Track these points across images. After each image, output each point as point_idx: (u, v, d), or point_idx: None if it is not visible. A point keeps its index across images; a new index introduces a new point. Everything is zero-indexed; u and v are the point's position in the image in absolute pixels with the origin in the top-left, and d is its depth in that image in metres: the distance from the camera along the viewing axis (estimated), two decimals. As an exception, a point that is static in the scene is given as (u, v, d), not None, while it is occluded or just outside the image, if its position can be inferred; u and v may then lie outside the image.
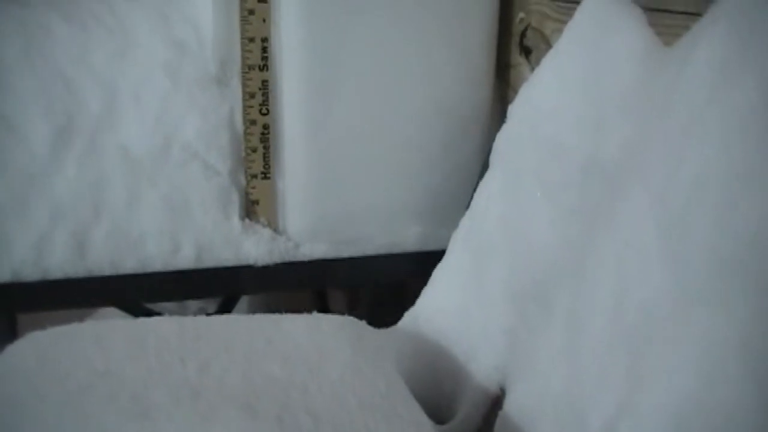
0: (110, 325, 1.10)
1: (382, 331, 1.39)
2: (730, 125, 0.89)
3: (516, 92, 1.61)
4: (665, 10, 1.18)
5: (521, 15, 1.62)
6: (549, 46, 1.51)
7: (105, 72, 1.55)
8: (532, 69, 1.56)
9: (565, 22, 1.42)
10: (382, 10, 1.49)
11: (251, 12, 1.46)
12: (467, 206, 1.47)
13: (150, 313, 1.57)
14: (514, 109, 1.41)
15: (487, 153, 1.58)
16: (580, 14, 1.33)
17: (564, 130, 1.29)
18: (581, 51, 1.30)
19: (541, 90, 1.37)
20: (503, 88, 1.71)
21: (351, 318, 1.20)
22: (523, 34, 1.62)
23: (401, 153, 1.58)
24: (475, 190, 1.47)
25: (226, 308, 2.05)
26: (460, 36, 1.57)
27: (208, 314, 1.27)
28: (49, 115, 1.52)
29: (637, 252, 0.95)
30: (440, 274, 1.45)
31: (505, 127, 1.41)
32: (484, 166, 1.48)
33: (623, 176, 1.11)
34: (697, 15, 1.10)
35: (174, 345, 1.01)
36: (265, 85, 1.51)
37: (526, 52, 1.61)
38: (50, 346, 1.02)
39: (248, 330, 1.09)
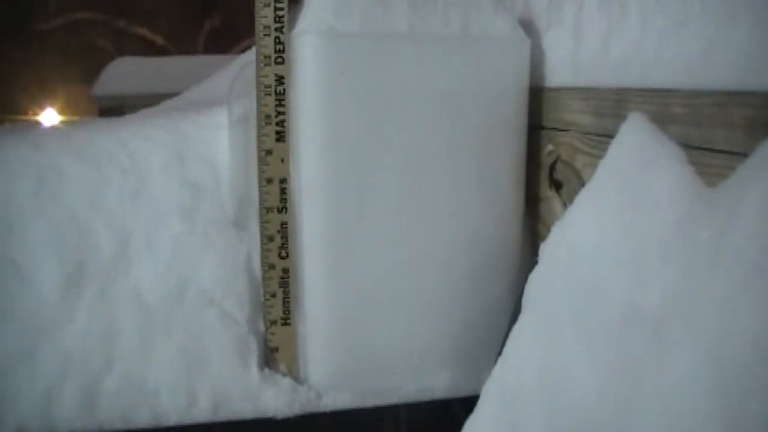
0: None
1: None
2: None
3: (547, 227, 1.55)
4: (706, 149, 1.12)
5: (550, 147, 1.57)
6: (581, 180, 1.45)
7: (118, 214, 1.50)
8: (564, 204, 1.50)
9: (597, 156, 1.37)
10: (406, 145, 1.44)
11: (269, 152, 1.42)
12: (498, 350, 1.38)
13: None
14: (547, 250, 1.34)
15: (518, 293, 1.51)
16: (615, 150, 1.27)
17: (601, 275, 1.22)
18: (618, 190, 1.24)
19: (576, 231, 1.29)
20: (533, 222, 1.64)
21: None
22: (552, 167, 1.56)
23: (428, 294, 1.50)
24: (506, 333, 1.38)
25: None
26: (487, 168, 1.52)
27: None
28: (60, 261, 1.47)
29: (688, 415, 0.87)
30: (471, 428, 1.35)
31: (537, 269, 1.34)
32: (516, 309, 1.40)
33: (668, 328, 1.04)
34: (741, 155, 1.05)
35: None
36: (284, 227, 1.45)
37: (557, 185, 1.55)
38: None
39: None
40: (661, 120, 1.21)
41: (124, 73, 6.60)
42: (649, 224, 1.16)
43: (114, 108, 6.41)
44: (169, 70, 6.68)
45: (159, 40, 20.33)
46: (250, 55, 1.50)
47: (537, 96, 1.59)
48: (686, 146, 1.16)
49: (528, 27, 1.62)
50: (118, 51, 19.54)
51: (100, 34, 20.32)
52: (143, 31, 20.32)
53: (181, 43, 20.50)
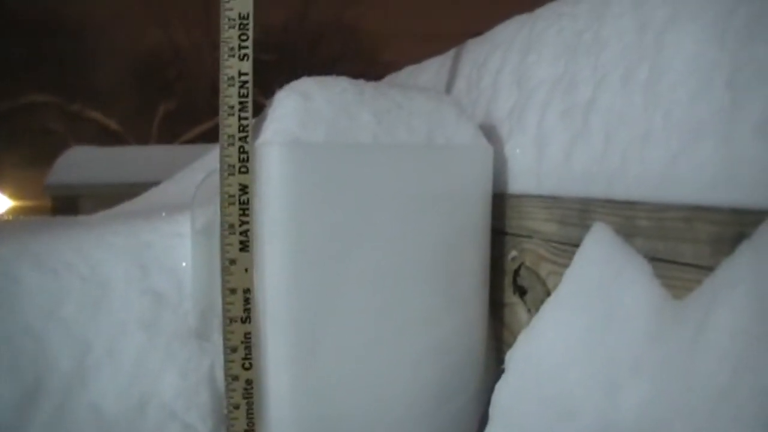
0: None
1: None
2: (763, 403, 0.84)
3: (511, 333, 1.54)
4: (673, 262, 1.13)
5: (514, 253, 1.57)
6: (545, 287, 1.45)
7: (77, 325, 1.46)
8: (528, 310, 1.50)
9: (561, 265, 1.38)
10: (371, 254, 1.43)
11: (233, 262, 1.40)
12: (467, 462, 1.36)
13: None
14: (514, 360, 1.33)
15: (483, 401, 1.49)
16: (580, 261, 1.28)
17: (572, 388, 1.21)
18: (584, 302, 1.24)
19: (543, 342, 1.29)
20: (498, 327, 1.64)
21: None
22: (516, 273, 1.57)
23: (394, 406, 1.48)
24: (475, 445, 1.36)
25: None
26: (452, 274, 1.52)
27: None
28: (15, 376, 1.41)
29: None
30: None
31: (504, 379, 1.33)
32: (483, 419, 1.38)
33: (645, 443, 1.04)
34: (707, 269, 1.06)
35: None
36: (247, 338, 1.42)
37: (521, 291, 1.55)
38: None
39: None
40: (627, 232, 1.22)
41: (78, 163, 6.55)
42: (618, 337, 1.16)
43: (68, 197, 6.37)
44: (123, 159, 6.66)
45: (113, 124, 20.32)
46: (212, 160, 1.49)
47: (501, 202, 1.60)
48: (652, 259, 1.17)
49: (490, 133, 1.64)
50: (72, 135, 19.50)
51: (53, 118, 20.26)
52: (97, 115, 20.31)
53: (135, 128, 20.52)
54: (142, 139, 19.88)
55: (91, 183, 6.18)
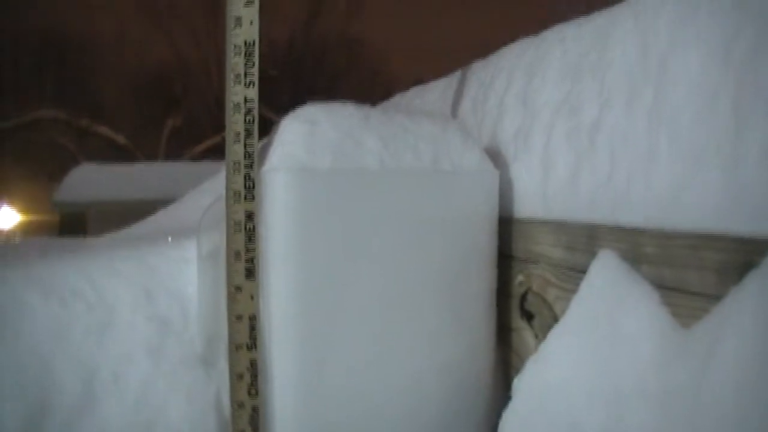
0: None
1: None
2: None
3: (519, 357, 1.54)
4: (679, 289, 1.12)
5: (520, 278, 1.57)
6: (552, 312, 1.45)
7: (83, 351, 1.47)
8: (535, 335, 1.50)
9: (568, 290, 1.37)
10: (378, 279, 1.43)
11: (239, 289, 1.40)
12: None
13: None
14: (521, 387, 1.32)
15: (491, 427, 1.49)
16: (588, 287, 1.27)
17: (578, 412, 1.21)
18: (592, 328, 1.23)
19: (551, 368, 1.29)
20: (505, 352, 1.63)
21: None
22: (523, 298, 1.56)
23: (399, 430, 1.47)
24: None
25: None
26: (459, 298, 1.52)
27: None
28: (21, 399, 1.41)
29: None
30: None
31: (512, 405, 1.33)
32: (491, 444, 1.38)
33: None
34: (714, 297, 1.05)
35: None
36: (253, 365, 1.42)
37: (528, 316, 1.54)
38: None
39: None
40: (633, 259, 1.21)
41: (86, 180, 6.58)
42: (625, 364, 1.16)
43: (76, 214, 6.39)
44: (131, 176, 6.69)
45: (121, 139, 20.38)
46: (219, 183, 1.49)
47: (507, 226, 1.60)
48: (659, 286, 1.16)
49: (496, 155, 1.64)
50: (80, 150, 19.58)
51: (61, 133, 20.34)
52: (105, 130, 20.37)
53: (143, 142, 20.58)
54: (151, 154, 19.96)
55: (98, 200, 6.21)
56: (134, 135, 20.52)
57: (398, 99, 3.07)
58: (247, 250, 1.39)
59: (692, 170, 1.10)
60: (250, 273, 1.40)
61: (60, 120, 20.14)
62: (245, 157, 1.39)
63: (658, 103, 1.20)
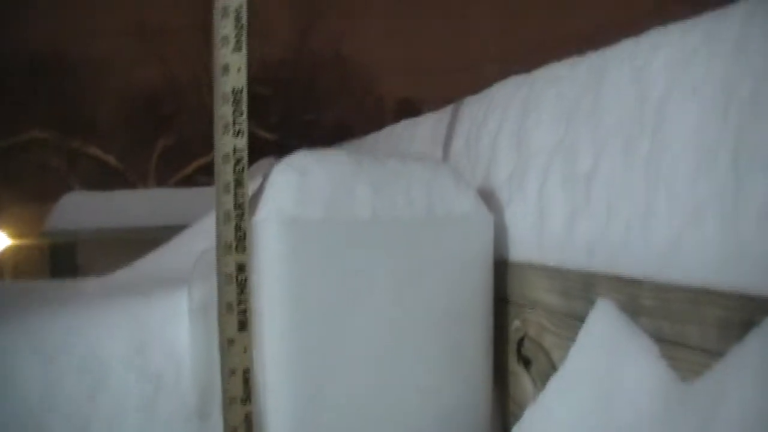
0: None
1: None
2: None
3: (516, 403, 1.52)
4: (679, 343, 1.10)
5: (517, 323, 1.55)
6: (549, 359, 1.43)
7: (74, 409, 1.44)
8: (533, 381, 1.48)
9: (565, 338, 1.36)
10: (373, 328, 1.42)
11: (231, 342, 1.37)
12: None
13: None
14: (520, 435, 1.31)
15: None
16: (586, 338, 1.25)
17: (580, 469, 1.19)
18: (591, 381, 1.22)
19: (549, 417, 1.27)
20: (502, 397, 1.61)
21: None
22: (520, 343, 1.54)
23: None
24: None
25: None
26: (455, 343, 1.50)
27: None
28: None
29: None
30: None
31: (512, 456, 1.31)
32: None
33: None
34: (716, 354, 1.03)
35: None
36: (248, 418, 1.39)
37: (525, 362, 1.52)
38: None
39: None
40: (632, 310, 1.20)
41: (76, 208, 6.55)
42: (624, 417, 1.14)
43: (66, 243, 6.36)
44: (121, 204, 6.66)
45: (112, 160, 20.34)
46: (210, 225, 1.46)
47: (502, 269, 1.58)
48: (658, 339, 1.14)
49: (490, 198, 1.62)
50: (71, 171, 19.53)
51: (52, 154, 20.28)
52: (96, 151, 20.33)
53: (134, 163, 20.54)
54: (142, 174, 19.92)
55: (88, 228, 6.19)
56: (125, 155, 20.48)
57: (389, 131, 3.05)
58: (239, 302, 1.37)
59: (691, 224, 1.09)
60: (243, 325, 1.38)
61: (51, 141, 20.10)
62: (235, 207, 1.37)
63: (655, 154, 1.18)
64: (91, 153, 20.34)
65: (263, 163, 5.63)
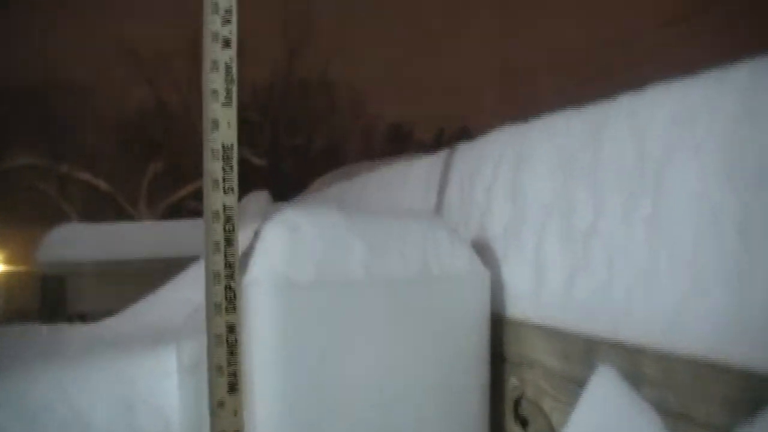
0: None
1: None
2: None
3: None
4: (683, 416, 1.07)
5: (514, 382, 1.51)
6: (548, 421, 1.39)
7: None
8: (531, 442, 1.44)
9: (564, 402, 1.32)
10: (366, 388, 1.38)
11: (221, 404, 1.33)
12: None
13: None
14: None
15: None
16: (587, 407, 1.22)
17: None
18: (592, 450, 1.18)
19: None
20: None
21: None
22: (517, 403, 1.50)
23: None
24: None
25: None
26: (450, 402, 1.46)
27: None
28: None
29: None
30: None
31: None
32: None
33: None
34: (721, 429, 1.00)
35: None
36: (239, 483, 1.35)
37: (523, 422, 1.49)
38: None
39: None
40: (634, 378, 1.16)
41: (66, 240, 6.49)
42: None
43: (56, 275, 6.30)
44: (112, 236, 6.62)
45: (102, 184, 20.25)
46: (200, 275, 1.42)
47: (499, 326, 1.54)
48: (662, 411, 1.11)
49: (484, 251, 1.59)
50: (62, 196, 19.43)
51: (42, 180, 20.19)
52: (86, 176, 20.24)
53: (125, 188, 20.46)
54: (133, 199, 19.82)
55: (79, 261, 6.13)
56: (116, 180, 20.38)
57: (380, 175, 3.01)
58: (229, 364, 1.33)
59: (695, 291, 1.06)
60: (233, 387, 1.34)
61: (41, 167, 20.00)
62: (226, 266, 1.33)
63: (656, 215, 1.15)
64: (80, 178, 20.23)
65: (252, 197, 5.59)
